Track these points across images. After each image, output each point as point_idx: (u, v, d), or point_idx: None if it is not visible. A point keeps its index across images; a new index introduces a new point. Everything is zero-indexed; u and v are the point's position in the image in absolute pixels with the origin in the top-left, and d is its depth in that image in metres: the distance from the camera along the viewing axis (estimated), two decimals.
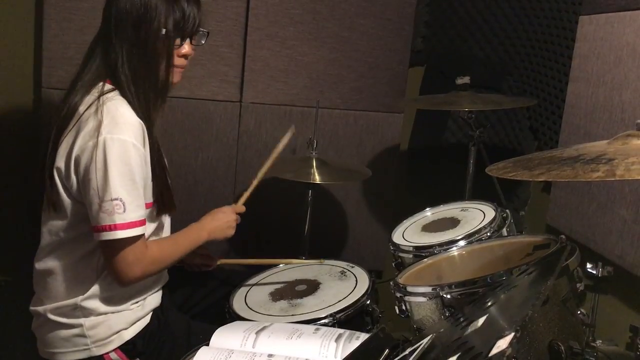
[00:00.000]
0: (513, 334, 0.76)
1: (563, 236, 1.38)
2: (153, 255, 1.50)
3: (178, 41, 1.51)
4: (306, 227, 2.19)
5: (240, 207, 1.80)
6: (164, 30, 1.45)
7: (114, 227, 1.39)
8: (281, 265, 2.00)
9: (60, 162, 1.43)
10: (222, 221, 1.70)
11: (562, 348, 1.18)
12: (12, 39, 2.21)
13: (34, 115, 2.24)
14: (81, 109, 1.44)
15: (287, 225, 2.22)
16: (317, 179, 2.06)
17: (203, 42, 1.57)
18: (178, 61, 1.53)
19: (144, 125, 1.45)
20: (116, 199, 1.38)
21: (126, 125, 1.41)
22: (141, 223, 1.44)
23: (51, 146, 1.46)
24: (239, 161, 2.37)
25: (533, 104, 2.41)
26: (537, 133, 2.60)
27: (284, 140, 1.95)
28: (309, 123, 2.28)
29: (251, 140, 2.37)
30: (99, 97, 1.43)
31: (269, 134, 2.38)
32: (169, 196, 1.57)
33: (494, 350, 0.74)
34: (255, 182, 1.86)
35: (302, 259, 2.09)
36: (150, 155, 1.48)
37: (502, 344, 0.74)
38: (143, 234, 1.46)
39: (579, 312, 1.27)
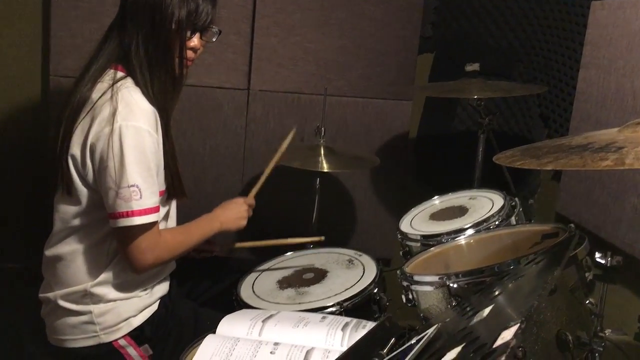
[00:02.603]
0: (518, 325, 0.75)
1: (572, 225, 1.36)
2: (166, 242, 1.51)
3: (188, 33, 1.50)
4: (314, 215, 2.19)
5: (251, 199, 1.81)
6: (176, 20, 1.45)
7: (131, 214, 1.40)
8: (289, 253, 2.00)
9: (75, 150, 1.43)
10: (234, 212, 1.71)
11: (570, 338, 1.17)
12: (20, 28, 2.22)
13: (43, 103, 2.24)
14: (94, 95, 1.44)
15: (295, 214, 2.22)
16: (325, 167, 2.05)
17: (214, 39, 1.57)
18: (187, 53, 1.52)
19: (156, 112, 1.46)
20: (133, 186, 1.39)
21: (141, 112, 1.42)
22: (156, 209, 1.45)
23: (63, 133, 1.45)
24: (246, 148, 2.37)
25: (543, 91, 2.38)
26: (548, 121, 2.57)
27: (286, 143, 1.95)
28: (316, 111, 2.27)
29: (259, 128, 2.36)
30: (112, 85, 1.43)
31: (277, 122, 2.37)
32: (180, 184, 1.58)
33: (499, 341, 0.73)
34: (262, 179, 1.87)
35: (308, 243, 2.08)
36: (162, 142, 1.49)
37: (507, 335, 0.74)
38: (157, 221, 1.47)
39: (587, 302, 1.26)
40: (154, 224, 1.46)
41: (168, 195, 1.56)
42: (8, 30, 2.20)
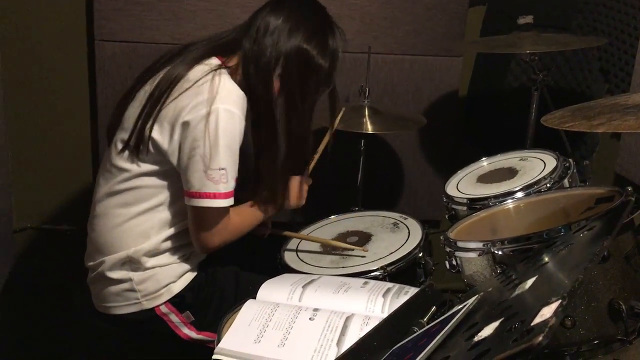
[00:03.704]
0: (560, 301, 0.71)
1: (629, 188, 1.28)
2: (234, 224, 1.55)
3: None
4: (359, 178, 2.15)
5: (309, 179, 1.82)
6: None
7: (218, 196, 1.44)
8: (333, 216, 1.99)
9: (164, 122, 1.45)
10: (295, 190, 1.73)
11: (623, 307, 1.11)
12: None
13: (91, 66, 2.26)
14: (192, 75, 1.46)
15: (340, 177, 2.19)
16: (370, 128, 2.00)
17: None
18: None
19: (245, 99, 1.48)
20: (223, 169, 1.43)
21: (237, 97, 1.45)
22: (233, 194, 1.49)
23: (151, 102, 1.47)
24: None
25: (603, 43, 2.23)
26: (608, 75, 2.43)
27: (336, 122, 1.91)
28: (361, 70, 2.20)
29: None
30: (216, 69, 1.46)
31: None
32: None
33: (537, 319, 0.69)
34: (316, 157, 1.85)
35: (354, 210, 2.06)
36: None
37: (547, 312, 0.69)
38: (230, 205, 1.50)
39: None
40: (229, 207, 1.50)
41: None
42: None
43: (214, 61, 1.50)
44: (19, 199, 2.34)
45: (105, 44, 2.17)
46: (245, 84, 1.49)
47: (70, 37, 2.24)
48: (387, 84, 2.37)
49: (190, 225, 1.52)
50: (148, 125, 1.46)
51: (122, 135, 1.51)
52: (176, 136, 1.44)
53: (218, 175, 1.42)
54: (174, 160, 1.46)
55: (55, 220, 2.39)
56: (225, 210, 1.49)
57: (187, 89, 1.44)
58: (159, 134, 1.46)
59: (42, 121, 2.30)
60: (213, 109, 1.40)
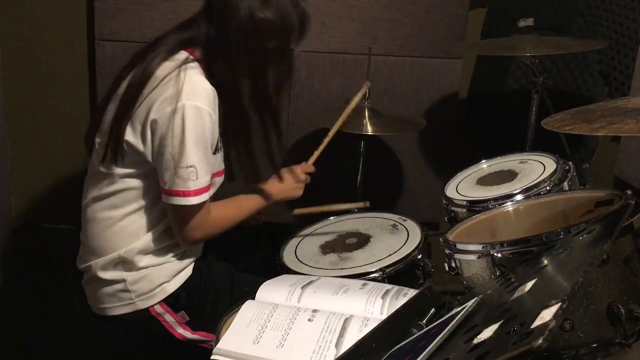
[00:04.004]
0: (559, 304, 0.71)
1: (629, 191, 1.28)
2: (215, 219, 1.54)
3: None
4: (358, 179, 2.15)
5: (310, 166, 1.81)
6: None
7: (188, 193, 1.43)
8: (332, 217, 1.98)
9: (136, 123, 1.44)
10: (290, 182, 1.72)
11: (622, 311, 1.11)
12: None
13: (91, 65, 2.26)
14: (159, 72, 1.44)
15: (339, 178, 2.19)
16: (370, 129, 2.00)
17: None
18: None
19: (215, 92, 1.46)
20: (191, 166, 1.41)
21: (204, 92, 1.43)
22: (208, 188, 1.48)
23: (124, 104, 1.46)
24: (291, 111, 2.33)
25: (604, 46, 2.23)
26: (608, 78, 2.42)
27: (357, 97, 1.90)
28: (362, 71, 2.20)
29: (303, 90, 2.32)
30: (181, 65, 1.44)
31: (321, 83, 2.32)
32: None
33: (537, 322, 0.69)
34: (325, 141, 1.84)
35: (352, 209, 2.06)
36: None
37: (547, 315, 0.69)
38: (208, 199, 1.50)
39: None
40: (206, 202, 1.48)
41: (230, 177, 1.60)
42: None
43: (182, 55, 1.47)
44: (18, 198, 2.33)
45: (106, 44, 2.16)
46: (208, 73, 1.47)
47: (71, 36, 2.24)
48: (388, 86, 2.37)
49: (170, 221, 1.52)
50: (122, 128, 1.45)
51: (102, 139, 1.51)
52: (148, 136, 1.43)
53: (186, 173, 1.41)
54: (150, 159, 1.46)
55: (55, 219, 2.39)
56: (199, 207, 1.47)
57: (154, 88, 1.43)
58: (132, 137, 1.45)
59: (42, 121, 2.30)
60: (179, 106, 1.38)
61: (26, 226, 2.37)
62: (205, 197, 1.47)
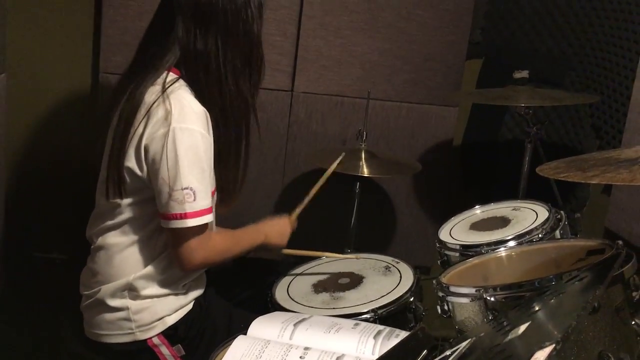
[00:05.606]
0: (553, 345, 0.72)
1: (620, 241, 1.30)
2: (215, 245, 1.53)
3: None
4: (352, 220, 2.17)
5: (294, 220, 1.83)
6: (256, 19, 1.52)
7: (185, 216, 1.42)
8: (324, 257, 1.99)
9: (130, 151, 1.45)
10: (279, 227, 1.74)
11: (613, 359, 1.12)
12: (71, 25, 2.26)
13: (92, 99, 2.29)
14: (147, 99, 1.45)
15: (333, 218, 2.20)
16: (366, 171, 2.03)
17: None
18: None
19: (207, 113, 1.46)
20: (186, 188, 1.40)
21: (193, 114, 1.43)
22: (209, 211, 1.46)
23: (121, 133, 1.46)
24: (288, 151, 2.37)
25: (596, 100, 2.30)
26: (600, 132, 2.48)
27: (334, 165, 1.94)
28: (360, 114, 2.25)
29: (301, 130, 2.36)
30: (164, 87, 1.44)
31: (319, 124, 2.36)
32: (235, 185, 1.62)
33: None
34: (306, 201, 1.87)
35: (347, 252, 2.07)
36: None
37: (541, 356, 0.70)
38: (209, 222, 1.48)
39: (633, 323, 1.20)
40: (206, 225, 1.47)
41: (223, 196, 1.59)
42: (60, 27, 2.25)
43: (168, 77, 1.47)
44: (11, 227, 2.33)
45: (110, 77, 2.20)
46: (194, 88, 1.48)
47: (76, 69, 2.27)
48: (384, 129, 2.41)
49: (169, 245, 1.50)
50: (120, 160, 1.45)
51: (102, 174, 1.52)
52: (143, 162, 1.44)
53: (182, 196, 1.40)
54: (149, 184, 1.46)
55: (46, 249, 2.38)
56: (197, 229, 1.45)
57: (145, 115, 1.43)
58: (130, 164, 1.45)
59: (42, 152, 2.32)
60: (170, 129, 1.39)
61: (17, 255, 2.35)
62: (205, 219, 1.45)
